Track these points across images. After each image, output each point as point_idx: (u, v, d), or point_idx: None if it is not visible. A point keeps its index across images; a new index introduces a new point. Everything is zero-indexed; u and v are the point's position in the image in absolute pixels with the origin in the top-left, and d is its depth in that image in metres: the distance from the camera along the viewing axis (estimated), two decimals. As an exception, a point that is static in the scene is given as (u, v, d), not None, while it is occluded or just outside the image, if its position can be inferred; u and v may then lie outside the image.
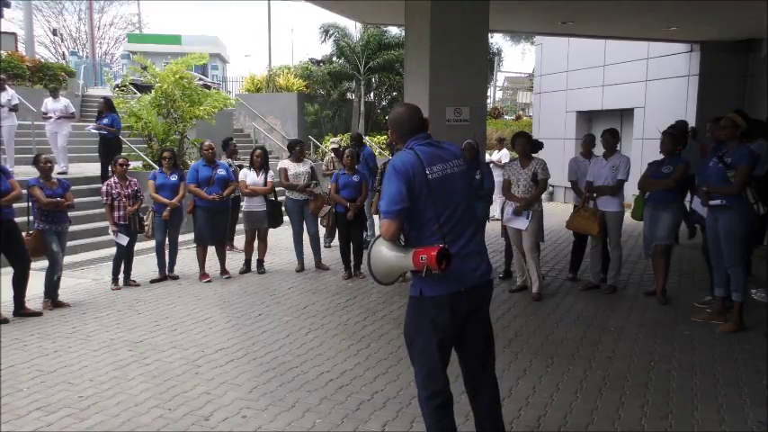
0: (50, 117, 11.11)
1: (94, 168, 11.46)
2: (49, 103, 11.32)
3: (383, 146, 16.97)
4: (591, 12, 9.01)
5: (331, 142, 11.33)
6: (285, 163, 7.58)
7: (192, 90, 11.45)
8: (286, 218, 7.70)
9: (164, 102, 11.06)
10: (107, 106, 10.61)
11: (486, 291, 2.83)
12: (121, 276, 6.78)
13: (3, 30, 18.08)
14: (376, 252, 2.73)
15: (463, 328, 2.79)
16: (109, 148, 10.15)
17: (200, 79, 19.74)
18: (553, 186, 14.13)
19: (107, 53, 41.00)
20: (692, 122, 10.38)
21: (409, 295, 2.82)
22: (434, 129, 6.56)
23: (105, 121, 10.39)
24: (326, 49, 21.85)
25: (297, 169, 7.43)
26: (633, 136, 12.53)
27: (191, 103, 11.27)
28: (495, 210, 9.18)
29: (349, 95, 20.96)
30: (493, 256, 7.36)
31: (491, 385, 2.92)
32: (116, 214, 6.59)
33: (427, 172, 2.66)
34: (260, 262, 7.55)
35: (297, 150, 7.53)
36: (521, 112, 25.58)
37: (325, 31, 20.35)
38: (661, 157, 5.88)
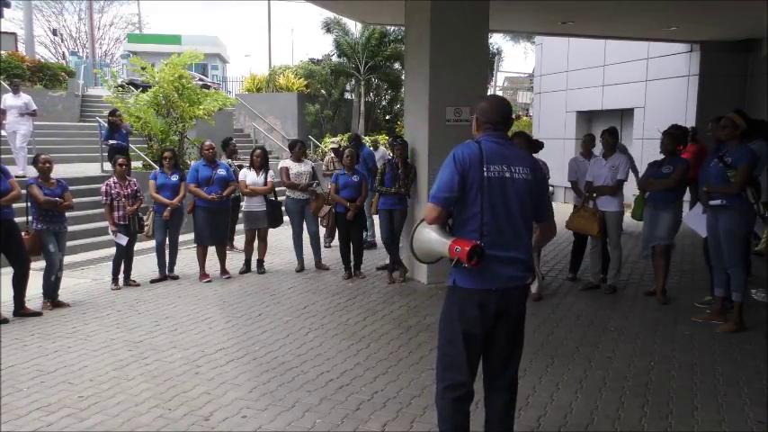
0: (22, 114, 10.46)
1: (95, 168, 11.47)
2: (7, 99, 10.54)
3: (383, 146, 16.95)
4: (591, 12, 9.01)
5: (331, 142, 11.33)
6: (287, 162, 7.59)
7: (191, 90, 11.45)
8: (286, 218, 7.70)
9: (163, 101, 11.06)
10: (122, 118, 10.45)
11: (519, 294, 2.79)
12: (121, 276, 6.78)
13: (3, 30, 18.10)
14: (421, 232, 2.74)
15: (493, 328, 2.77)
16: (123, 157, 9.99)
17: (200, 79, 19.76)
18: (553, 186, 14.12)
19: (107, 53, 41.07)
20: (692, 122, 10.40)
21: (446, 285, 2.83)
22: (434, 129, 6.64)
23: (124, 132, 10.27)
24: (329, 44, 21.81)
25: (298, 169, 7.44)
26: (633, 136, 12.53)
27: (190, 103, 11.27)
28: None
29: (349, 95, 20.95)
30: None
31: (508, 390, 2.89)
32: (116, 214, 6.59)
33: (484, 169, 2.64)
34: (260, 262, 7.55)
35: (297, 150, 7.55)
36: (520, 113, 25.56)
37: (326, 24, 20.31)
38: (661, 156, 5.89)
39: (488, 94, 2.75)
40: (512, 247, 2.70)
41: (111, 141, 10.29)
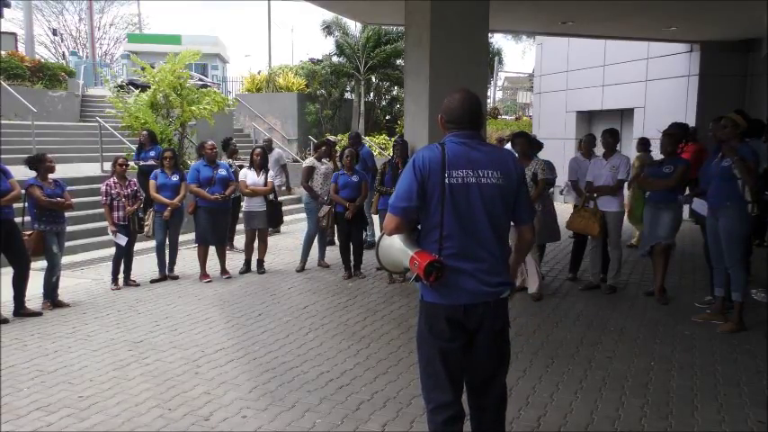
0: None
1: (95, 168, 11.48)
2: None
3: (383, 146, 17.00)
4: (591, 12, 9.01)
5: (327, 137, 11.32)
6: (312, 161, 7.86)
7: (189, 90, 11.44)
8: (286, 218, 7.74)
9: (163, 101, 11.06)
10: (150, 139, 9.75)
11: (493, 309, 2.53)
12: (121, 276, 6.78)
13: (3, 30, 18.09)
14: (388, 239, 2.59)
15: (469, 343, 2.57)
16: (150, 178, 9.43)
17: (200, 79, 19.73)
18: (553, 186, 14.11)
19: (107, 53, 41.03)
20: (692, 122, 10.39)
21: None
22: (434, 129, 6.64)
23: (152, 153, 9.51)
24: (329, 44, 21.95)
25: (324, 168, 7.70)
26: (633, 136, 12.52)
27: (189, 103, 11.27)
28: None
29: (349, 95, 20.97)
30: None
31: (496, 409, 2.66)
32: (115, 214, 6.58)
33: (446, 174, 2.43)
34: (260, 262, 7.55)
35: (323, 150, 7.89)
36: (520, 113, 25.58)
37: (327, 27, 20.35)
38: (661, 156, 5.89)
39: (458, 89, 2.62)
40: (479, 259, 2.49)
41: (141, 163, 9.58)
